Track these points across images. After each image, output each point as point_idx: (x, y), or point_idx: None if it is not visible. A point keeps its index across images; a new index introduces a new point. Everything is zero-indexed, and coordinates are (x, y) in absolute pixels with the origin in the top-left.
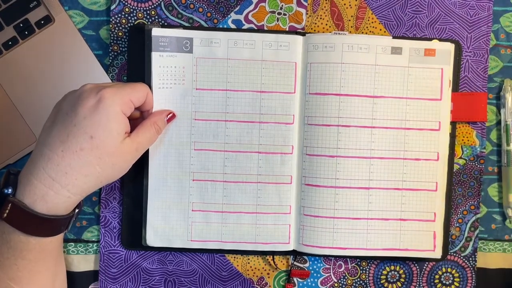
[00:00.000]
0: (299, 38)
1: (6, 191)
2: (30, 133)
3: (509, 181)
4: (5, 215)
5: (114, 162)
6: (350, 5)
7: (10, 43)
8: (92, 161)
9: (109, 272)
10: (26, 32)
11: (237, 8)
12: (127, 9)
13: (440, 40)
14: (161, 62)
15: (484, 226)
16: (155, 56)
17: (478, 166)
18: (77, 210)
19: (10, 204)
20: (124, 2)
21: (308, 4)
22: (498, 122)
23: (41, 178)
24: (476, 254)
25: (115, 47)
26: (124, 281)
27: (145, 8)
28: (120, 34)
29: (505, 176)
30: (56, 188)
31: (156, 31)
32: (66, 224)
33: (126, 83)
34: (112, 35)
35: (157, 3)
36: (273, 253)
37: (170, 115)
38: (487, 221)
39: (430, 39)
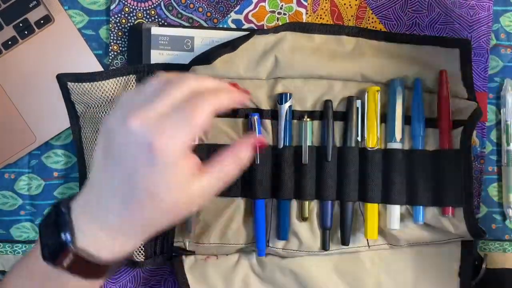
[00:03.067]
0: None
1: (64, 237)
2: (30, 133)
3: (509, 181)
4: (65, 264)
5: (181, 213)
6: (350, 5)
7: (9, 42)
8: (156, 217)
9: None
10: (26, 32)
11: (237, 8)
12: (126, 9)
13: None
14: (160, 60)
15: (484, 226)
16: (154, 54)
17: (478, 166)
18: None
19: (71, 253)
20: (123, 1)
21: (308, 4)
22: (498, 122)
23: (105, 230)
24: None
25: (115, 47)
26: (124, 281)
27: (144, 8)
28: (119, 33)
29: (505, 176)
30: (122, 240)
31: (155, 30)
32: (126, 261)
33: (190, 102)
34: (111, 34)
35: (156, 3)
36: None
37: (259, 144)
38: (487, 221)
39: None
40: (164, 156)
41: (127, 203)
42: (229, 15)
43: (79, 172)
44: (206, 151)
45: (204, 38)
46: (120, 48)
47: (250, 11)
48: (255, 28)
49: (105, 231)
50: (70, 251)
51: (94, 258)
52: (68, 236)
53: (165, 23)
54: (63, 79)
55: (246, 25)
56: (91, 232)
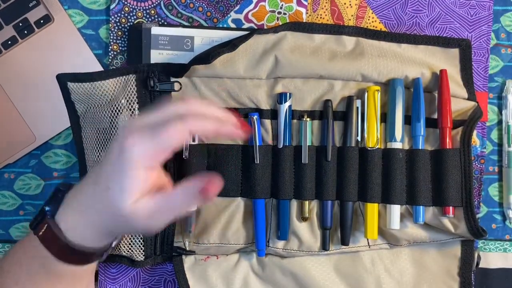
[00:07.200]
0: None
1: (46, 208)
2: (29, 133)
3: (510, 182)
4: (40, 233)
5: (125, 226)
6: (350, 4)
7: (9, 42)
8: (108, 219)
9: (108, 272)
10: (26, 32)
11: (237, 7)
12: (126, 8)
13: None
14: (160, 60)
15: (485, 225)
16: (154, 54)
17: (479, 165)
18: (114, 243)
19: (46, 225)
20: (123, 1)
21: (308, 4)
22: (499, 122)
23: (76, 213)
24: None
25: (115, 47)
26: (124, 281)
27: (144, 7)
28: (119, 33)
29: (505, 177)
30: (84, 222)
31: (155, 29)
32: (99, 255)
33: (169, 121)
34: (111, 34)
35: (156, 2)
36: None
37: (205, 186)
38: (488, 221)
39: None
40: (127, 155)
41: (94, 195)
42: (229, 15)
43: (79, 172)
44: (206, 151)
45: (204, 38)
46: (120, 48)
47: (250, 10)
48: (255, 27)
49: (76, 214)
50: (46, 222)
51: (61, 235)
52: (49, 208)
53: (165, 23)
54: (63, 79)
55: (246, 25)
56: (68, 206)
